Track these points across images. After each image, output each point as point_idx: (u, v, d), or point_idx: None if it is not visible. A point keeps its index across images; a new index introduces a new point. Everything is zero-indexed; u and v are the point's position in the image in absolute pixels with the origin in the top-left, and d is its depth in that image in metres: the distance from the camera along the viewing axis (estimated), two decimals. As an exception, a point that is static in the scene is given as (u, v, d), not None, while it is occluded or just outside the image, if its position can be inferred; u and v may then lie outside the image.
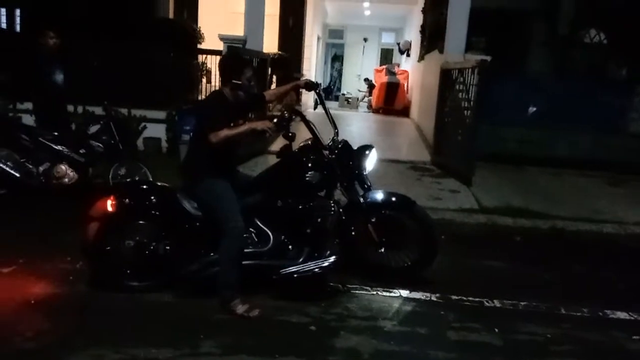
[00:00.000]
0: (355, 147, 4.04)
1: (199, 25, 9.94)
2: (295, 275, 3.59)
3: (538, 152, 8.32)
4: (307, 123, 3.82)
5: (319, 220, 3.73)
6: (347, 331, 3.32)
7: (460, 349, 3.22)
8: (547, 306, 3.84)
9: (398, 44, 17.74)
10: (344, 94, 18.09)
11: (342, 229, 3.89)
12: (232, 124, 3.51)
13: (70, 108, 6.85)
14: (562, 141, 8.42)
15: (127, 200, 3.63)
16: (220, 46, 7.81)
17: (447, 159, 7.72)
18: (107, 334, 3.12)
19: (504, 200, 6.25)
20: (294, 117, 3.72)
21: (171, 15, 10.56)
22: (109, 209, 3.53)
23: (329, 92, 19.55)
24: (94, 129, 6.15)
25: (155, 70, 7.83)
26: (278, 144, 3.93)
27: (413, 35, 14.85)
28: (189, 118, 7.08)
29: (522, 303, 3.85)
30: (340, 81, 20.38)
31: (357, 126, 12.77)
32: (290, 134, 3.66)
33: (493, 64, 7.19)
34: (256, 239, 3.70)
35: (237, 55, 3.80)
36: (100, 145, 5.84)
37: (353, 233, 3.96)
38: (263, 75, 8.39)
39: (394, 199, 4.08)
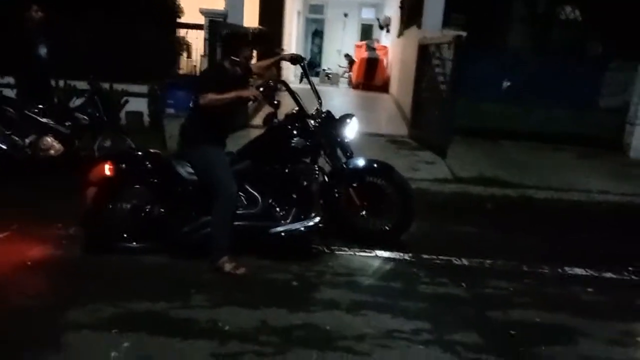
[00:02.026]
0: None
1: (178, -1, 9.93)
2: (282, 234, 3.86)
3: (513, 127, 8.57)
4: (292, 93, 4.07)
5: (304, 183, 3.99)
6: (326, 286, 3.60)
7: (430, 300, 3.52)
8: (511, 264, 4.16)
9: (378, 19, 17.83)
10: (324, 70, 18.17)
11: (326, 193, 4.16)
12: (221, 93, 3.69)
13: (52, 82, 6.90)
14: (537, 116, 8.67)
15: (123, 165, 3.81)
16: (201, 20, 7.88)
17: (424, 133, 7.98)
18: (104, 291, 3.34)
19: (477, 171, 6.54)
20: (279, 86, 3.94)
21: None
22: (107, 173, 3.72)
23: (313, 67, 19.60)
24: (77, 102, 6.26)
25: (136, 45, 7.86)
26: (260, 117, 4.14)
27: (393, 11, 14.95)
28: (171, 91, 7.22)
29: (488, 261, 4.17)
30: (320, 57, 20.40)
31: (338, 101, 12.92)
32: (275, 102, 3.87)
33: (470, 39, 7.40)
34: (245, 202, 3.93)
35: (237, 33, 4.05)
36: (86, 118, 5.97)
37: (336, 196, 4.21)
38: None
39: (374, 165, 4.35)
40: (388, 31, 16.14)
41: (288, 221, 3.91)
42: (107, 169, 3.72)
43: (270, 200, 3.95)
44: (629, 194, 6.43)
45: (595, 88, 8.99)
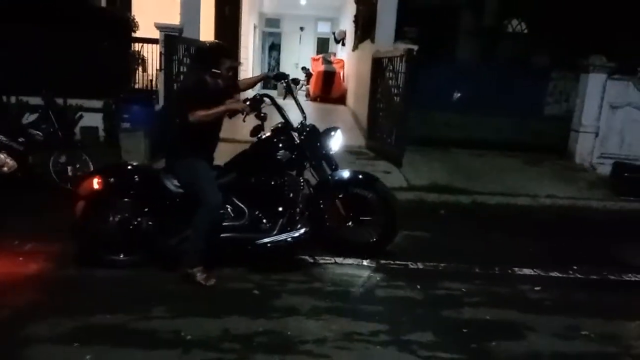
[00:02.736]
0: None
1: (132, 13, 9.89)
2: (268, 245, 3.96)
3: (464, 136, 8.89)
4: (277, 106, 4.21)
5: (290, 195, 4.09)
6: (287, 293, 3.68)
7: (387, 303, 3.66)
8: (463, 267, 4.35)
9: (333, 33, 18.15)
10: (282, 83, 18.29)
11: (312, 205, 4.25)
12: (209, 107, 3.75)
13: (4, 98, 6.77)
14: (485, 125, 8.99)
15: (112, 179, 3.88)
16: (156, 34, 7.88)
17: (380, 143, 8.18)
18: (65, 304, 3.34)
19: (431, 179, 6.77)
20: (265, 100, 4.06)
21: (104, 4, 10.42)
22: (95, 187, 3.77)
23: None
24: (31, 118, 6.16)
25: (91, 59, 7.78)
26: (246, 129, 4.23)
27: (348, 25, 15.27)
28: (127, 106, 7.19)
29: (442, 264, 4.35)
30: (278, 70, 20.56)
31: (297, 114, 13.08)
32: (262, 115, 3.99)
33: (421, 52, 7.67)
34: (232, 214, 4.01)
35: (219, 46, 4.12)
36: (40, 133, 5.87)
37: (321, 206, 4.30)
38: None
39: (359, 176, 4.48)
40: (344, 45, 16.45)
41: (274, 232, 3.99)
42: (96, 183, 3.77)
43: (256, 212, 4.03)
44: (574, 198, 6.80)
45: (541, 97, 9.42)
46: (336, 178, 4.31)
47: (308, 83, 17.27)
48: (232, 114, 3.87)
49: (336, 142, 4.35)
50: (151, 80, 8.69)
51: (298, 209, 4.10)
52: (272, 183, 4.06)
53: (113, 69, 7.96)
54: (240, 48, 13.88)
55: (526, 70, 9.93)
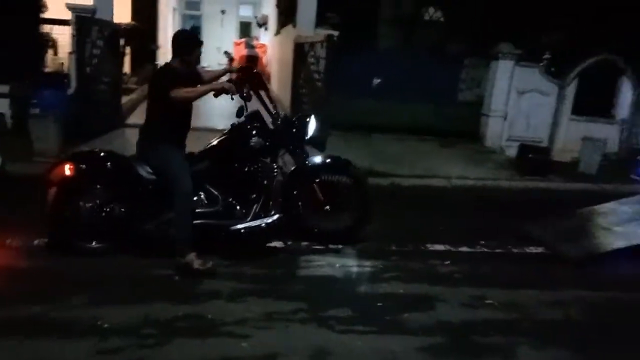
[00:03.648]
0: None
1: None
2: (242, 232, 3.98)
3: (384, 121, 9.15)
4: (257, 93, 4.17)
5: (264, 182, 4.12)
6: (209, 278, 3.70)
7: (308, 282, 3.79)
8: (380, 245, 4.54)
9: (256, 17, 18.00)
10: (203, 67, 17.94)
11: (287, 191, 4.30)
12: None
13: None
14: (404, 111, 9.30)
15: (83, 165, 3.83)
16: (68, 15, 7.49)
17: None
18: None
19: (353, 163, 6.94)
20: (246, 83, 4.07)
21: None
22: (67, 173, 3.73)
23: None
24: None
25: (-6, 41, 7.30)
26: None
27: (270, 10, 15.20)
28: (37, 91, 6.82)
29: (361, 244, 4.51)
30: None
31: (220, 99, 12.89)
32: (245, 94, 4.00)
33: (342, 38, 7.80)
34: (206, 201, 4.02)
35: (191, 34, 4.11)
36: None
37: (296, 193, 4.35)
38: (116, 47, 8.21)
39: (333, 161, 4.57)
40: (266, 29, 16.38)
41: (248, 219, 4.02)
42: (67, 169, 3.74)
43: (230, 199, 4.05)
44: (483, 178, 7.25)
45: (454, 84, 9.87)
46: (312, 163, 4.38)
47: (231, 68, 17.06)
48: (218, 93, 3.95)
49: (312, 128, 4.42)
50: (62, 64, 8.28)
51: (272, 196, 4.15)
52: (246, 170, 4.09)
53: (21, 51, 7.50)
54: (158, 31, 13.47)
55: (441, 57, 10.35)
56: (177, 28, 17.92)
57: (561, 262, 4.54)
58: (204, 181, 4.01)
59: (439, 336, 3.21)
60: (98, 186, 3.89)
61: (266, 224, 4.04)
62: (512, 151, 8.72)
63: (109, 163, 3.93)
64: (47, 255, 3.87)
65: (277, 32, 12.90)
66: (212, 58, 18.92)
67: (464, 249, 4.68)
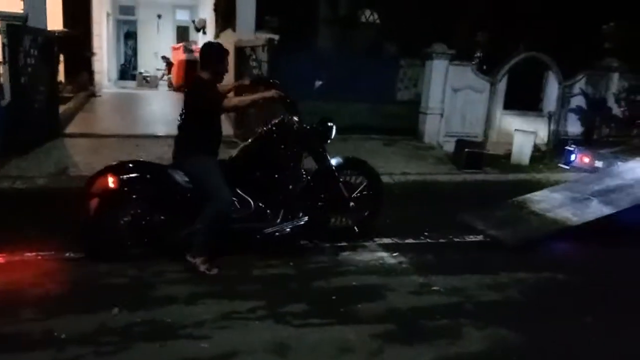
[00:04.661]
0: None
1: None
2: (276, 234, 4.23)
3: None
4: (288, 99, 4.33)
5: (291, 187, 4.35)
6: (165, 284, 3.73)
7: (263, 281, 3.89)
8: (332, 241, 4.69)
9: (193, 21, 17.79)
10: (141, 73, 17.60)
11: (313, 194, 4.54)
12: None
13: None
14: (346, 111, 9.48)
15: (124, 177, 3.93)
16: (-4, 23, 7.21)
17: (247, 132, 8.32)
18: None
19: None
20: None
21: None
22: (111, 185, 3.86)
23: (124, 72, 18.84)
24: None
25: None
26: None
27: (207, 13, 15.08)
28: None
29: (314, 241, 4.66)
30: (136, 59, 19.67)
31: (159, 105, 12.76)
32: (288, 101, 4.28)
33: (283, 41, 7.92)
34: (239, 206, 4.17)
35: (220, 46, 4.17)
36: None
37: (323, 194, 4.60)
38: (50, 55, 7.97)
39: (351, 161, 4.91)
40: (205, 33, 16.23)
41: (278, 222, 4.27)
42: (111, 181, 3.86)
43: (259, 203, 4.23)
44: (424, 173, 7.57)
45: (393, 83, 10.18)
46: (336, 164, 4.63)
47: (169, 73, 16.81)
48: (267, 100, 4.19)
49: (332, 133, 4.63)
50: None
51: (299, 199, 4.39)
52: (275, 175, 4.28)
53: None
54: (92, 37, 13.12)
55: (379, 58, 10.66)
56: (112, 34, 17.51)
57: (499, 248, 4.86)
58: (235, 187, 4.16)
59: (390, 323, 3.39)
60: (139, 196, 4.01)
61: (296, 226, 4.30)
62: (449, 146, 9.11)
63: (148, 174, 4.05)
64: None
65: (217, 36, 12.83)
66: (150, 63, 18.59)
67: (410, 240, 4.91)
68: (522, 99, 10.06)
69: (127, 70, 19.07)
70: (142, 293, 3.59)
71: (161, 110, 11.86)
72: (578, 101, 10.36)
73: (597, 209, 5.34)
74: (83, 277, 3.77)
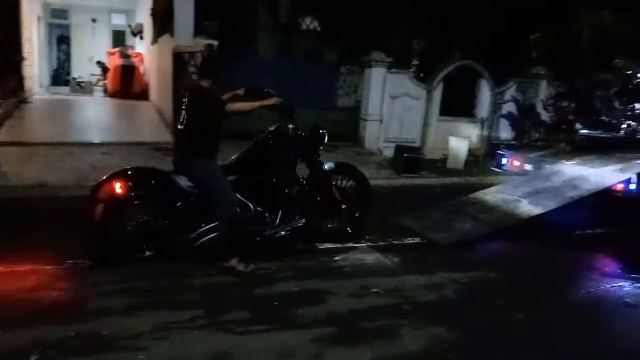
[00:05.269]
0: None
1: None
2: (276, 236, 4.39)
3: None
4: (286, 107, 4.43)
5: (287, 191, 4.48)
6: (100, 296, 3.63)
7: (203, 291, 3.84)
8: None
9: (130, 26, 17.37)
10: (75, 79, 16.98)
11: (308, 198, 4.66)
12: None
13: None
14: (287, 117, 9.56)
15: (130, 183, 4.01)
16: None
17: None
18: None
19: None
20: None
21: None
22: (118, 191, 3.93)
23: (57, 78, 18.11)
24: None
25: None
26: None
27: (145, 18, 14.76)
28: None
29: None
30: (69, 64, 18.92)
31: (95, 112, 12.37)
32: (288, 109, 4.42)
33: (223, 47, 7.86)
34: (239, 210, 4.26)
35: (221, 55, 4.17)
36: None
37: (317, 198, 4.75)
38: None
39: (341, 166, 5.15)
40: (142, 38, 15.86)
41: (276, 224, 4.41)
42: (118, 187, 3.93)
43: (259, 207, 4.35)
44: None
45: (333, 90, 10.31)
46: (327, 170, 4.79)
47: (105, 78, 16.31)
48: (269, 108, 4.30)
49: (324, 140, 4.78)
50: None
51: (295, 203, 4.52)
52: (273, 180, 4.41)
53: None
54: (22, 41, 12.56)
55: (321, 65, 10.77)
56: (44, 38, 16.81)
57: (435, 249, 5.03)
58: (235, 191, 4.21)
59: (330, 326, 3.44)
60: (144, 202, 4.07)
61: (294, 229, 4.46)
62: (389, 152, 9.34)
63: (153, 180, 4.12)
64: None
65: (154, 42, 12.58)
66: (85, 69, 17.95)
67: (351, 244, 4.99)
68: (457, 106, 10.45)
69: (60, 76, 18.32)
70: (76, 306, 3.47)
71: (96, 117, 11.50)
72: (509, 107, 10.86)
73: (526, 210, 5.61)
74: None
